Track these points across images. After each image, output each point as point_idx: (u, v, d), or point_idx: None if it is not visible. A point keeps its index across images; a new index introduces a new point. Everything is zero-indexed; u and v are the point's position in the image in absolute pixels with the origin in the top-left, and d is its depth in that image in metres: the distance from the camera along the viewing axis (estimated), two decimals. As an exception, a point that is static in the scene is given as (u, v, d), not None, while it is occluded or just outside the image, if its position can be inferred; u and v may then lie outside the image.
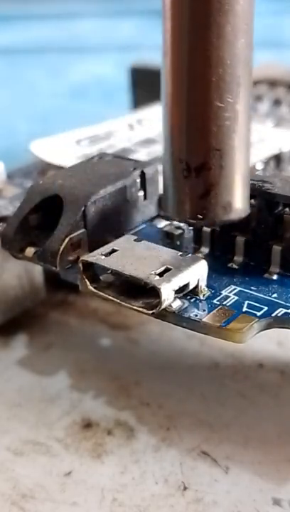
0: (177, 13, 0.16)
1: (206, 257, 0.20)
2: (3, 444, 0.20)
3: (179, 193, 0.18)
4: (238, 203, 0.18)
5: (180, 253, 0.19)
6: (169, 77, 0.17)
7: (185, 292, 0.18)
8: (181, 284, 0.18)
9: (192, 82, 0.17)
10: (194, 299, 0.18)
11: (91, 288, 0.19)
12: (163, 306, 0.17)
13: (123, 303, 0.18)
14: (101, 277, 0.19)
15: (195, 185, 0.18)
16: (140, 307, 0.18)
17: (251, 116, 0.18)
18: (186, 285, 0.18)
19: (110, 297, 0.19)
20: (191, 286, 0.18)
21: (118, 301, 0.18)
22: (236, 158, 0.18)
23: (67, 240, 0.20)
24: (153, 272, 0.18)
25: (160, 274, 0.18)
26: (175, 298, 0.18)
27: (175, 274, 0.18)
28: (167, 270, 0.18)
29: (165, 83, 0.17)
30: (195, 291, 0.18)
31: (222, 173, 0.17)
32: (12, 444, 0.20)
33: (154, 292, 0.17)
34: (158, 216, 0.22)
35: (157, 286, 0.17)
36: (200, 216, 0.18)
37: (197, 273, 0.18)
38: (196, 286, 0.18)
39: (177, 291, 0.18)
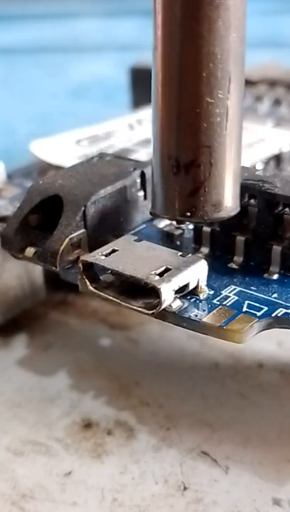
0: (168, 7, 0.16)
1: (206, 257, 0.20)
2: (3, 444, 0.20)
3: (168, 190, 0.18)
4: (228, 201, 0.18)
5: (180, 253, 0.19)
6: (159, 72, 0.17)
7: (185, 292, 0.18)
8: (181, 284, 0.18)
9: (183, 76, 0.16)
10: (194, 299, 0.18)
11: (91, 288, 0.19)
12: (162, 306, 0.17)
13: (123, 303, 0.18)
14: (101, 277, 0.19)
15: (184, 182, 0.17)
16: (140, 307, 0.18)
17: (242, 113, 0.17)
18: (186, 285, 0.18)
19: (110, 297, 0.18)
20: (191, 287, 0.18)
21: (118, 301, 0.18)
22: (226, 156, 0.17)
23: (67, 240, 0.20)
24: (153, 272, 0.18)
25: (160, 274, 0.18)
26: (175, 298, 0.18)
27: (175, 274, 0.18)
28: (167, 270, 0.18)
29: (155, 78, 0.17)
30: (195, 291, 0.18)
31: (212, 171, 0.17)
32: (12, 444, 0.20)
33: (154, 292, 0.17)
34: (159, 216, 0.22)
35: (157, 286, 0.17)
36: (188, 214, 0.18)
37: (197, 273, 0.18)
38: (196, 287, 0.18)
39: (177, 291, 0.18)
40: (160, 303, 0.17)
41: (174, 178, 0.17)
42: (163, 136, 0.17)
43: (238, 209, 0.18)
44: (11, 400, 0.22)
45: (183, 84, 0.17)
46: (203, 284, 0.19)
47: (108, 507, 0.18)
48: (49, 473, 0.19)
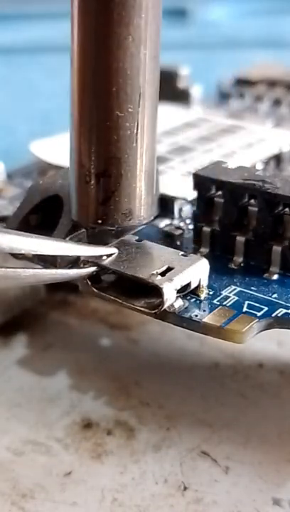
0: (82, 23, 0.17)
1: (206, 257, 0.20)
2: (3, 444, 0.20)
3: (81, 197, 0.18)
4: (139, 210, 0.18)
5: (182, 253, 0.19)
6: (74, 85, 0.18)
7: (186, 292, 0.18)
8: (183, 284, 0.18)
9: (95, 90, 0.17)
10: (194, 299, 0.18)
11: (92, 288, 0.19)
12: (165, 306, 0.17)
13: (125, 303, 0.18)
14: (102, 277, 0.19)
15: (96, 191, 0.18)
16: (142, 307, 0.18)
17: (156, 126, 0.18)
18: (188, 284, 0.18)
19: (112, 297, 0.18)
20: (193, 286, 0.18)
21: (120, 301, 0.18)
22: (137, 167, 0.18)
23: (67, 240, 0.20)
24: (154, 272, 0.18)
25: (162, 274, 0.18)
26: (177, 297, 0.18)
27: (176, 273, 0.18)
28: (169, 270, 0.18)
29: (71, 89, 0.18)
30: (195, 291, 0.18)
31: (122, 181, 0.18)
32: (12, 444, 0.20)
33: (156, 292, 0.17)
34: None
35: (159, 286, 0.17)
36: (100, 221, 0.18)
37: (198, 272, 0.18)
38: (197, 286, 0.18)
39: (178, 291, 0.18)
40: (162, 302, 0.17)
41: (86, 186, 0.18)
42: (78, 145, 0.18)
43: (152, 217, 0.19)
44: (11, 399, 0.22)
45: (95, 97, 0.17)
46: (205, 283, 0.19)
47: (108, 507, 0.18)
48: (49, 473, 0.19)
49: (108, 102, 0.17)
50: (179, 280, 0.18)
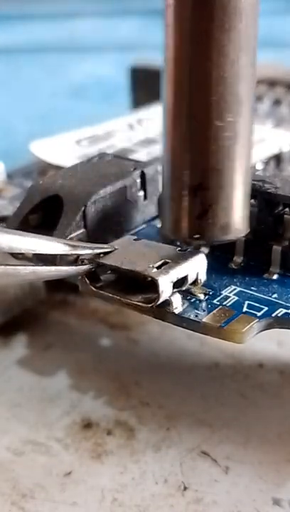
0: (178, 30, 0.16)
1: (206, 257, 0.20)
2: (3, 444, 0.20)
3: (176, 211, 0.18)
4: (236, 223, 0.18)
5: (179, 248, 0.19)
6: (170, 94, 0.17)
7: (185, 287, 0.18)
8: (179, 276, 0.18)
9: (192, 100, 0.16)
10: (194, 300, 0.18)
11: (91, 287, 0.19)
12: (161, 299, 0.17)
13: (122, 299, 0.18)
14: (101, 277, 0.19)
15: (193, 204, 0.17)
16: (139, 302, 0.18)
17: (252, 136, 0.17)
18: (185, 279, 0.18)
19: (110, 294, 0.18)
20: (190, 280, 0.18)
21: (117, 297, 0.18)
22: (235, 179, 0.17)
23: (66, 239, 0.20)
24: (151, 265, 0.18)
25: (158, 268, 0.18)
26: (174, 292, 0.18)
27: (173, 266, 0.18)
28: (165, 264, 0.18)
29: (165, 100, 0.17)
30: (194, 290, 0.18)
31: (220, 194, 0.17)
32: (12, 444, 0.20)
33: (153, 287, 0.17)
34: (158, 217, 0.22)
35: (155, 278, 0.17)
36: (196, 236, 0.18)
37: (195, 266, 0.18)
38: (195, 280, 0.18)
39: (176, 285, 0.18)
40: (158, 294, 0.17)
41: (182, 200, 0.17)
42: (173, 157, 0.17)
43: (248, 230, 0.18)
44: (11, 399, 0.22)
45: (192, 107, 0.16)
46: (202, 277, 0.18)
47: (108, 507, 0.18)
48: (49, 473, 0.19)
49: (207, 111, 0.16)
50: (175, 273, 0.18)
